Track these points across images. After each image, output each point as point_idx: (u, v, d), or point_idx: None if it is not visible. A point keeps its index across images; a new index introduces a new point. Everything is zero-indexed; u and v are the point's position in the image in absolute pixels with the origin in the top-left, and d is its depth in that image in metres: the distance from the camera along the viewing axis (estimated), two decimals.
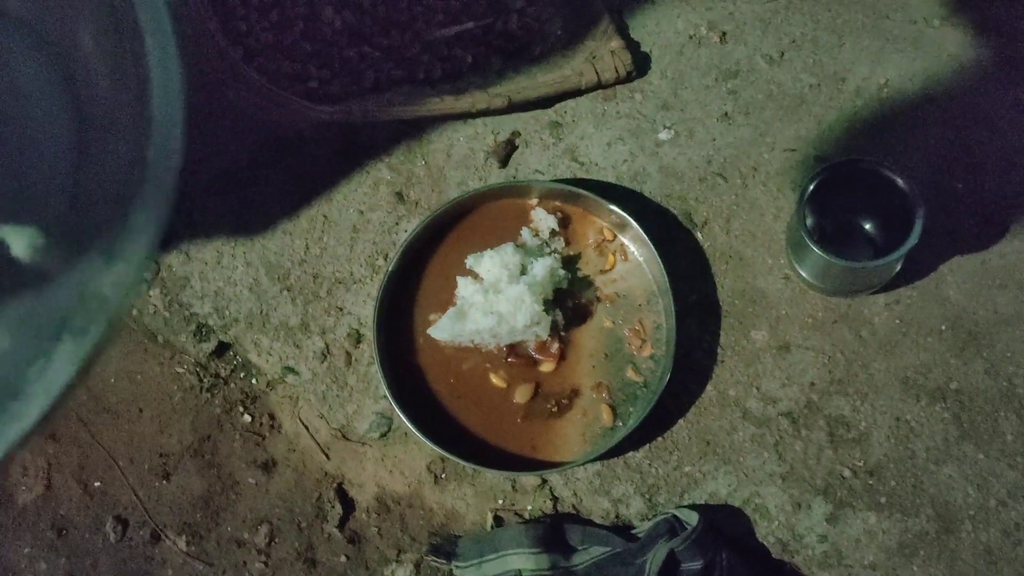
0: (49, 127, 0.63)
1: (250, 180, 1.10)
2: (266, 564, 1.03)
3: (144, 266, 0.54)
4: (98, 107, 0.62)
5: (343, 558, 1.02)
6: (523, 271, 1.02)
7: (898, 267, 1.00)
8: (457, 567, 1.00)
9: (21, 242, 0.58)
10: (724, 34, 1.14)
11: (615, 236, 1.06)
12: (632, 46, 1.13)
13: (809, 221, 0.98)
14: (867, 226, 1.03)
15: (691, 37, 1.14)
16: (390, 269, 1.03)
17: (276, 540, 1.03)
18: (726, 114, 1.11)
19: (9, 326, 0.58)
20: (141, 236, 0.54)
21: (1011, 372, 1.02)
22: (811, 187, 0.96)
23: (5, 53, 0.64)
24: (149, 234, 0.54)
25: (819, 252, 0.95)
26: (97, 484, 1.05)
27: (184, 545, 1.03)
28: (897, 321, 1.04)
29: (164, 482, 1.05)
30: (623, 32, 1.13)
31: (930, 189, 1.07)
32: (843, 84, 1.11)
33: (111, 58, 0.60)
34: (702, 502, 1.01)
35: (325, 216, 1.09)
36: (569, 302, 1.04)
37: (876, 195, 0.99)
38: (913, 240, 0.94)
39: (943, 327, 1.04)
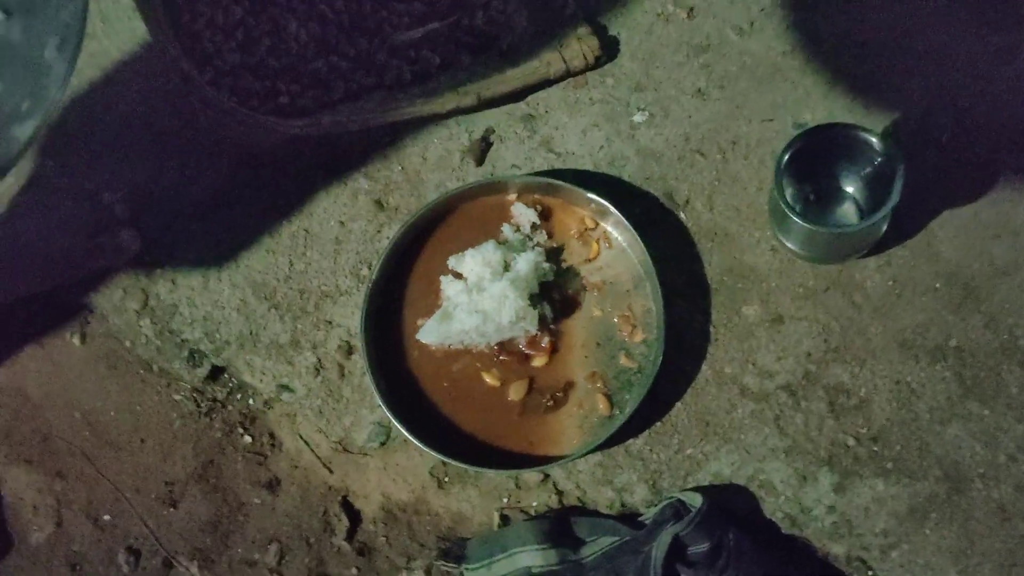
0: None
1: (229, 202, 1.10)
2: None
3: None
4: None
5: (354, 570, 1.02)
6: (506, 267, 1.01)
7: (884, 227, 0.98)
8: (468, 569, 1.00)
9: None
10: (691, 9, 1.12)
11: (597, 224, 1.05)
12: (600, 31, 1.11)
13: (790, 190, 0.96)
14: (850, 189, 1.01)
15: (659, 15, 1.13)
16: (373, 278, 1.02)
17: (286, 558, 1.03)
18: (700, 90, 1.10)
19: None
20: None
21: (1011, 324, 1.00)
22: (786, 157, 0.94)
23: None
24: None
25: (800, 221, 0.93)
26: (107, 517, 1.06)
27: (196, 570, 1.04)
28: (890, 283, 1.02)
29: (172, 509, 1.05)
30: (590, 18, 1.12)
31: (915, 144, 1.04)
32: (818, 47, 1.09)
33: None
34: (706, 483, 1.00)
35: (307, 231, 1.09)
36: (556, 294, 1.03)
37: (857, 157, 0.98)
38: (895, 199, 0.92)
39: (938, 284, 1.02)
